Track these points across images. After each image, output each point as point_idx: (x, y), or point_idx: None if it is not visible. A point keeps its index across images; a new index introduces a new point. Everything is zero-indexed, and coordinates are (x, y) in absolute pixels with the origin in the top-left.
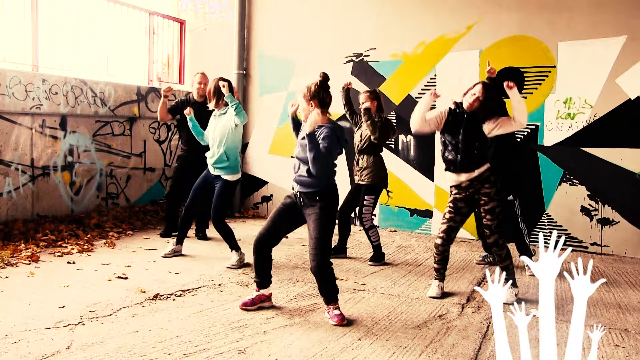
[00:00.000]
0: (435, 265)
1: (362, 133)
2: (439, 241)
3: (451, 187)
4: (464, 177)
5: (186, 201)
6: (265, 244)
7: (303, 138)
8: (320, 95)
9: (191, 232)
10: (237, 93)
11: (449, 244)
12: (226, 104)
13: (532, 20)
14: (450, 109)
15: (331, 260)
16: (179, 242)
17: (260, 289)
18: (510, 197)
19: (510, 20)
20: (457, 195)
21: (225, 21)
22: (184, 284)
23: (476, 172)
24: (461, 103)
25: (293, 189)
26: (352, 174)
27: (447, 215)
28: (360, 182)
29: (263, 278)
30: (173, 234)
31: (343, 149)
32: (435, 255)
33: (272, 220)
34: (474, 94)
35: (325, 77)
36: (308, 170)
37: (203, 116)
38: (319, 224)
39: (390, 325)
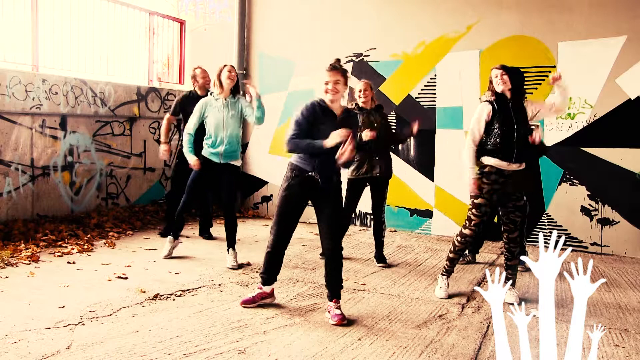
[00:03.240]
0: (451, 255)
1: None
2: (468, 232)
3: (490, 174)
4: (514, 167)
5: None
6: (284, 245)
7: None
8: None
9: (190, 232)
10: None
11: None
12: (234, 94)
13: (532, 20)
14: (489, 102)
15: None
16: (176, 237)
17: (263, 286)
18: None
19: (510, 20)
20: (496, 186)
21: (225, 21)
22: (184, 284)
23: (524, 165)
24: (498, 93)
25: (309, 174)
26: None
27: (483, 209)
28: (377, 175)
29: (272, 275)
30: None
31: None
32: (458, 244)
33: (291, 218)
34: (498, 76)
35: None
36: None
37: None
38: (336, 202)
39: (390, 325)
